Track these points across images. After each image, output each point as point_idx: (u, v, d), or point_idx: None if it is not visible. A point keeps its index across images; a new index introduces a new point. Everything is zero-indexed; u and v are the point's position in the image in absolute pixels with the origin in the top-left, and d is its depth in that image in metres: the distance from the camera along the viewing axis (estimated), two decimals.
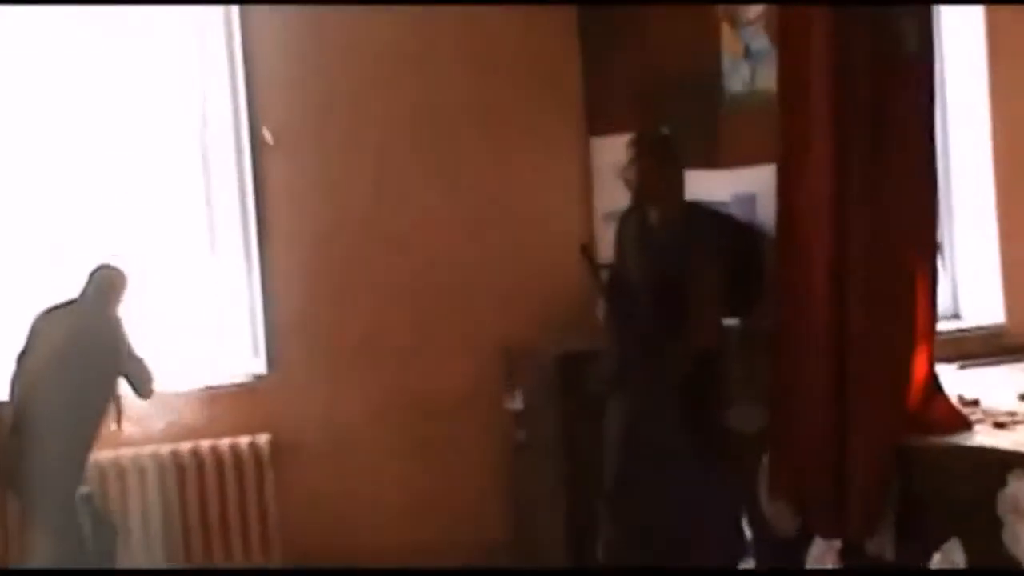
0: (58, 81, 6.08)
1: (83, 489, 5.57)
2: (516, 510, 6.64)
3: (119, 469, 5.98)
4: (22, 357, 5.55)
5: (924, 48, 4.81)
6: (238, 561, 6.12)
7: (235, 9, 6.26)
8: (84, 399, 5.50)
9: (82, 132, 6.14)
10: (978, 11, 6.32)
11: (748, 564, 5.34)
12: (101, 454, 5.75)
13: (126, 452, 5.98)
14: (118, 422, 5.67)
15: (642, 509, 5.33)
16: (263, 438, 6.21)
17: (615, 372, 5.40)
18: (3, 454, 5.43)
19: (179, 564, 6.04)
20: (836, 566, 4.88)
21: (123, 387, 5.62)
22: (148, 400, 5.68)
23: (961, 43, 6.40)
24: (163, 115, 6.27)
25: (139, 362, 5.57)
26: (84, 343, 5.50)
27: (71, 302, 5.60)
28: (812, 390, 4.88)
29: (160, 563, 5.98)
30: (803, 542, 5.00)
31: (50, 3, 5.98)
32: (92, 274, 5.61)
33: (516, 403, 6.49)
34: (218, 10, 6.26)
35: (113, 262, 5.67)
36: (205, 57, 6.31)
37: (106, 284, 5.60)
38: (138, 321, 5.69)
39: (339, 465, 6.39)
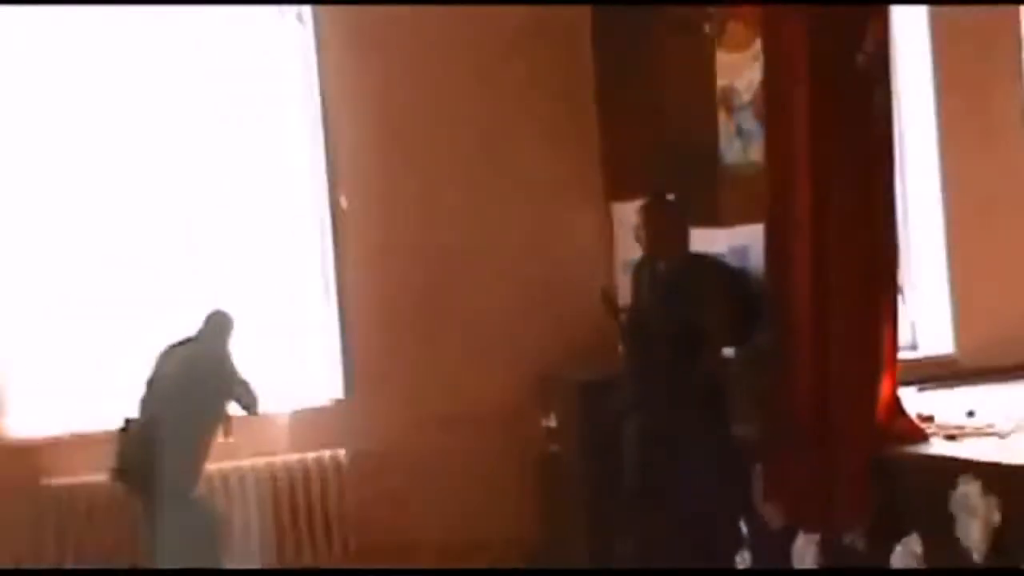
0: (145, 122, 6.47)
1: (194, 492, 6.07)
2: (548, 509, 6.87)
3: (223, 477, 6.47)
4: (150, 383, 6.05)
5: (887, 114, 5.00)
6: (321, 557, 6.53)
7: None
8: (200, 416, 6.01)
9: (172, 180, 6.56)
10: (926, 58, 6.44)
11: (745, 555, 5.55)
12: (208, 465, 6.18)
13: (228, 464, 6.47)
14: (226, 434, 6.14)
15: (657, 512, 5.52)
16: (341, 453, 6.65)
17: (632, 394, 5.63)
18: (134, 462, 5.89)
19: (271, 560, 6.48)
20: (817, 555, 5.09)
21: (231, 407, 6.12)
22: (256, 416, 6.12)
23: (913, 118, 6.51)
24: (241, 144, 6.55)
25: (246, 386, 6.08)
26: (201, 372, 6.02)
27: (189, 339, 6.15)
28: (799, 409, 5.14)
29: (256, 558, 6.42)
30: (790, 535, 5.26)
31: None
32: (208, 317, 6.16)
33: (551, 421, 6.78)
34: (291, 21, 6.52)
35: (223, 308, 6.18)
36: (280, 82, 6.60)
37: (218, 325, 6.15)
38: (239, 354, 6.16)
39: (404, 476, 6.72)
